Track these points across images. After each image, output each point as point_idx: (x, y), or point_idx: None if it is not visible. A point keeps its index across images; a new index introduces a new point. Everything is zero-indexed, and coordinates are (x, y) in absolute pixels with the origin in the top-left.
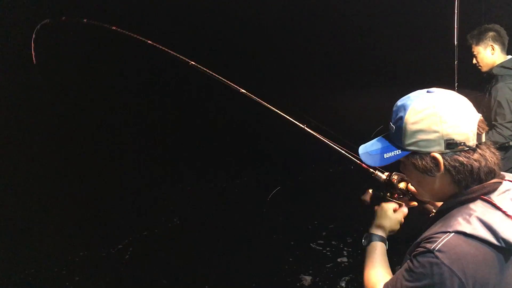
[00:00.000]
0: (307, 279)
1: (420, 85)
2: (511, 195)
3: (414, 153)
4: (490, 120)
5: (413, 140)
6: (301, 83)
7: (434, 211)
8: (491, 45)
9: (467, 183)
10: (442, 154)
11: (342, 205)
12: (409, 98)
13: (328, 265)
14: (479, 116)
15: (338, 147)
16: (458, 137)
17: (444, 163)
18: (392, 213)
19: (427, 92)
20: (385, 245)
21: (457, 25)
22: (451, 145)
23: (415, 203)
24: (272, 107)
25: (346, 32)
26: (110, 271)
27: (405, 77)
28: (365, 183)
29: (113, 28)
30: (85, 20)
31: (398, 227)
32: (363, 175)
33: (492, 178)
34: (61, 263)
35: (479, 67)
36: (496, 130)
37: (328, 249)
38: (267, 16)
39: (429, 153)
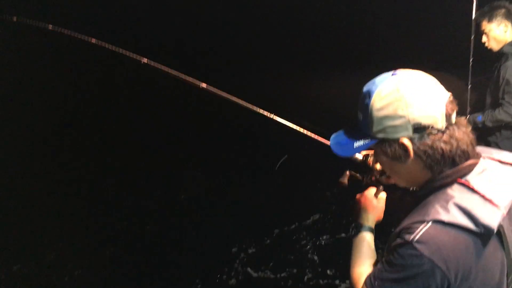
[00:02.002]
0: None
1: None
2: (489, 175)
3: (383, 140)
4: (498, 99)
5: (381, 127)
6: (273, 68)
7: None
8: (504, 23)
9: (440, 167)
10: (410, 139)
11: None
12: (374, 83)
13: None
14: (447, 96)
15: (309, 133)
16: (425, 120)
17: (413, 148)
18: (376, 202)
19: (392, 74)
20: (373, 235)
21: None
22: (419, 129)
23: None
24: (237, 99)
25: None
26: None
27: (412, 57)
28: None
29: (49, 27)
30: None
31: (382, 215)
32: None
33: (467, 159)
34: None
35: (489, 46)
36: (503, 109)
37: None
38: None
39: (397, 139)
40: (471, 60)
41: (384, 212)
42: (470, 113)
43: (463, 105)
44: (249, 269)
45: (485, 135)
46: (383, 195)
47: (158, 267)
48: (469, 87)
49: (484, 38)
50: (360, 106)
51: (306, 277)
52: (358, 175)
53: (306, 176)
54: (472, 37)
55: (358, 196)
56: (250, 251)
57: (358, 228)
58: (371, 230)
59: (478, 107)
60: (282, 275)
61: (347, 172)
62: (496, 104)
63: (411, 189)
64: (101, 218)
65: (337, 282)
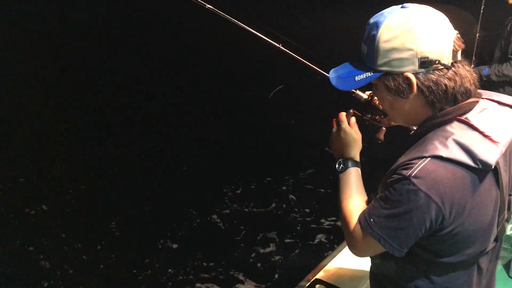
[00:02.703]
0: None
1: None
2: (488, 114)
3: (387, 73)
4: (507, 53)
5: (386, 59)
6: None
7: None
8: None
9: (442, 104)
10: (415, 73)
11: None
12: (382, 14)
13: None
14: (455, 33)
15: (315, 67)
16: (432, 55)
17: (417, 83)
18: (355, 132)
19: (402, 7)
20: (360, 169)
21: None
22: (425, 63)
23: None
24: (243, 24)
25: None
26: None
27: None
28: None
29: None
30: None
31: (361, 144)
32: (344, 95)
33: (468, 98)
34: None
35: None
36: (510, 64)
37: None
38: None
39: (402, 73)
40: (482, 8)
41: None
42: (476, 65)
43: (469, 56)
44: (237, 206)
45: (488, 89)
46: (353, 119)
47: (156, 200)
48: (477, 36)
49: None
50: (366, 38)
51: (291, 214)
52: (359, 114)
53: (307, 120)
54: None
55: (334, 130)
56: (239, 192)
57: (346, 163)
58: (357, 164)
59: (485, 60)
60: (269, 215)
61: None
62: (504, 59)
63: (411, 132)
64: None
65: (322, 220)
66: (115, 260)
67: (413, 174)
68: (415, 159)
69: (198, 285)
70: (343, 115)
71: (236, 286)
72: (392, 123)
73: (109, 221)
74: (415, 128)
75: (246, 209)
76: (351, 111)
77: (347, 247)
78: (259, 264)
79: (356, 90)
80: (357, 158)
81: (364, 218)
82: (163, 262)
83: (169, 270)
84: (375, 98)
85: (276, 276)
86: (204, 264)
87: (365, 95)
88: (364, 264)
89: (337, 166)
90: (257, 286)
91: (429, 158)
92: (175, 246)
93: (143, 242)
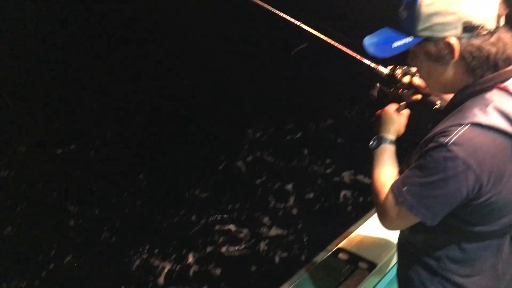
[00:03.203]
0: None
1: None
2: None
3: (427, 39)
4: None
5: (428, 24)
6: None
7: (438, 102)
8: None
9: (482, 71)
10: (458, 38)
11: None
12: None
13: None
14: None
15: (337, 44)
16: (476, 19)
17: (459, 49)
18: (397, 116)
19: None
20: (395, 147)
21: None
22: (468, 28)
23: (418, 96)
24: (263, 3)
25: None
26: None
27: None
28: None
29: None
30: None
31: (403, 130)
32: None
33: (509, 65)
34: None
35: None
36: None
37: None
38: None
39: (444, 38)
40: None
41: (406, 128)
42: None
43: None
44: (261, 154)
45: None
46: (405, 111)
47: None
48: None
49: None
50: (406, 2)
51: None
52: (384, 88)
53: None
54: None
55: (378, 112)
56: (264, 140)
57: (379, 140)
58: (392, 142)
59: None
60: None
61: (377, 84)
62: None
63: (434, 107)
64: None
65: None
66: (140, 206)
67: (451, 141)
68: (453, 126)
69: (217, 227)
70: (392, 104)
71: (261, 230)
72: (414, 98)
73: (136, 172)
74: (439, 102)
75: (269, 158)
76: (404, 103)
77: (372, 217)
78: (281, 213)
79: (377, 66)
80: (393, 138)
81: (396, 187)
82: (187, 209)
83: (193, 217)
84: (397, 72)
85: (299, 226)
86: (229, 208)
87: (386, 70)
88: (389, 233)
89: (371, 142)
90: (281, 232)
91: (468, 125)
92: (197, 192)
93: (169, 189)
